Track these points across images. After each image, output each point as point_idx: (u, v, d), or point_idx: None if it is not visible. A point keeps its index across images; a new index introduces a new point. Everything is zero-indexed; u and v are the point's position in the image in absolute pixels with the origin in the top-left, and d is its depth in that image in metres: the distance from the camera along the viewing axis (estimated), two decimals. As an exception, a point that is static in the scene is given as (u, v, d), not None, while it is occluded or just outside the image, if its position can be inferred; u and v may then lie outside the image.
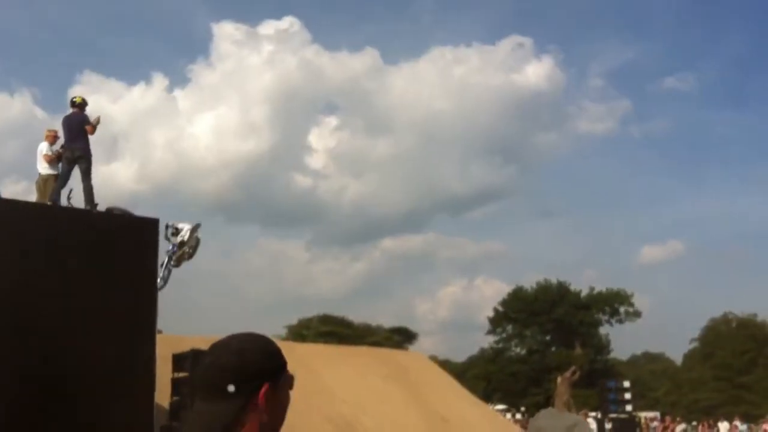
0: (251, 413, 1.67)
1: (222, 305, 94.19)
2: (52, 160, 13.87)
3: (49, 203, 13.15)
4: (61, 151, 13.83)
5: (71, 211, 12.70)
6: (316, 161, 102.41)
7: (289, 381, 1.77)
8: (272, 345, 1.78)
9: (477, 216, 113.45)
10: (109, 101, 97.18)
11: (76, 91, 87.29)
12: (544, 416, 7.19)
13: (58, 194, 13.40)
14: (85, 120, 13.74)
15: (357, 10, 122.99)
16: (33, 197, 13.92)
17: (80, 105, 13.92)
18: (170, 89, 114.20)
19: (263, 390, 1.68)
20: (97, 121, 13.94)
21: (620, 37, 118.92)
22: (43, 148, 14.06)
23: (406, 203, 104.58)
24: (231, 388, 1.66)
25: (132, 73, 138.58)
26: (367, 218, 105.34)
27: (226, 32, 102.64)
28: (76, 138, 13.53)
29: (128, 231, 12.18)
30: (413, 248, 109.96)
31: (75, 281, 11.09)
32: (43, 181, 13.85)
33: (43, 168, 13.93)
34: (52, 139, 14.13)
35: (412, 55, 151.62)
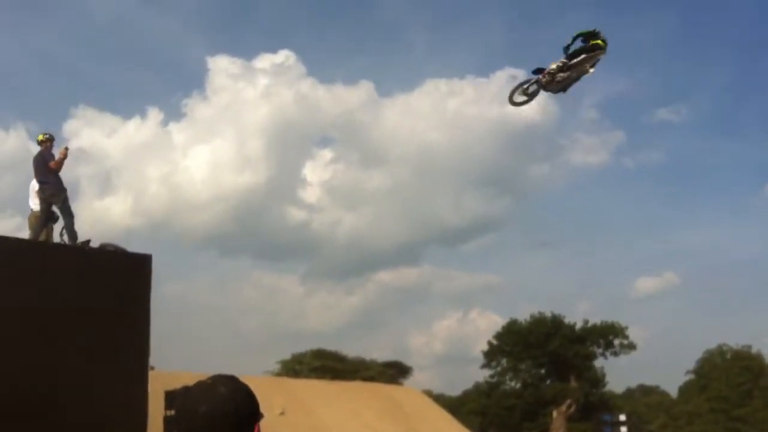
0: None
1: (215, 339, 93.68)
2: (42, 198, 13.82)
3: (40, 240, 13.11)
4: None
5: (64, 247, 12.67)
6: (310, 194, 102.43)
7: (261, 419, 1.84)
8: (250, 388, 1.87)
9: (472, 248, 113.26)
10: (103, 135, 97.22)
11: (71, 125, 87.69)
12: None
13: (38, 234, 13.30)
14: (45, 157, 13.56)
15: (352, 43, 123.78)
16: (26, 233, 13.88)
17: (42, 142, 13.80)
18: (165, 123, 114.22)
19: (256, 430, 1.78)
20: (63, 154, 13.61)
21: (612, 68, 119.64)
22: (35, 184, 14.04)
23: (400, 235, 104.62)
24: None
25: (127, 107, 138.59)
26: (362, 251, 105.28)
27: (221, 66, 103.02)
28: (43, 176, 13.46)
29: (121, 267, 12.16)
30: (408, 281, 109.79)
31: (66, 318, 11.04)
32: (34, 218, 13.81)
33: (35, 204, 13.90)
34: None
35: (406, 88, 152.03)
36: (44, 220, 13.44)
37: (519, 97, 14.74)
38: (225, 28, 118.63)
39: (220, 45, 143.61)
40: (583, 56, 13.66)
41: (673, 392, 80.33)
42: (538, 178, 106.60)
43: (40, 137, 13.87)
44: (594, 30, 13.88)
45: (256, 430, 1.77)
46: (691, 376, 74.40)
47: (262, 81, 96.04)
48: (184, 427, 1.76)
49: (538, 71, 14.30)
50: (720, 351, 71.75)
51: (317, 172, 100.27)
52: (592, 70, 13.88)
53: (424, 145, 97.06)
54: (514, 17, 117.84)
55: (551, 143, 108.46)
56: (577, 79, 14.04)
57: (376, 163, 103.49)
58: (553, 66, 13.99)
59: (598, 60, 13.93)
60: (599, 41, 13.79)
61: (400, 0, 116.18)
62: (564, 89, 14.29)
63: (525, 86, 14.54)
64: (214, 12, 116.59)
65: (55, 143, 13.85)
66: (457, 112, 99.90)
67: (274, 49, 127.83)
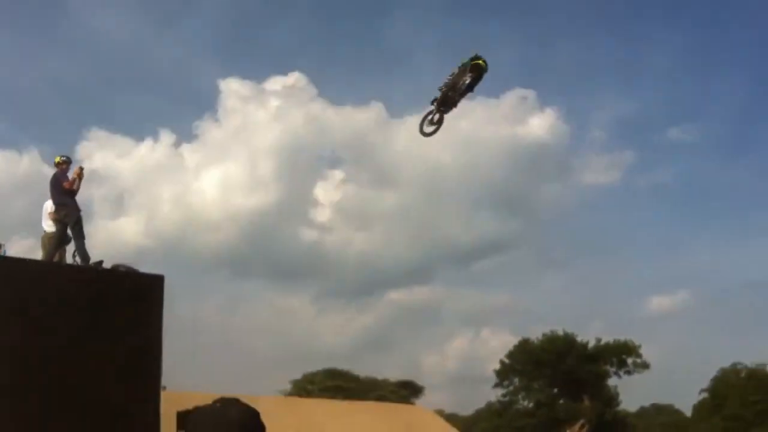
0: None
1: (227, 360, 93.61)
2: (57, 218, 13.93)
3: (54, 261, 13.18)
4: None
5: (76, 268, 12.74)
6: (321, 214, 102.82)
7: None
8: (256, 411, 1.95)
9: (483, 267, 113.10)
10: (116, 157, 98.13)
11: (84, 148, 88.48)
12: None
13: (52, 255, 13.37)
14: (59, 178, 13.69)
15: (362, 65, 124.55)
16: (39, 254, 13.97)
17: (58, 164, 13.92)
18: (177, 145, 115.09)
19: None
20: (77, 174, 13.73)
21: (623, 88, 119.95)
22: (48, 206, 14.14)
23: (411, 255, 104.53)
24: None
25: (139, 129, 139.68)
26: (373, 271, 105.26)
27: (232, 88, 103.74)
28: (59, 197, 13.56)
29: (133, 288, 12.21)
30: (419, 300, 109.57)
31: (78, 339, 11.08)
32: (47, 239, 13.90)
33: (48, 225, 14.00)
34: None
35: (416, 109, 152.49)
36: (59, 241, 13.53)
37: (428, 128, 16.33)
38: (236, 50, 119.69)
39: (232, 67, 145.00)
40: (465, 75, 15.49)
41: (687, 411, 79.74)
42: (549, 198, 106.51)
43: (57, 159, 13.99)
44: (476, 54, 15.58)
45: None
46: (705, 395, 73.84)
47: (273, 103, 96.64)
48: None
49: (434, 101, 16.03)
50: (734, 370, 71.21)
51: (328, 193, 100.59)
52: (467, 80, 15.61)
53: (434, 165, 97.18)
54: (521, 39, 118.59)
55: (562, 163, 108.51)
56: (462, 93, 15.80)
57: (387, 184, 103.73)
58: (443, 88, 15.88)
59: (480, 77, 15.66)
60: (480, 61, 15.45)
61: (405, 24, 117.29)
62: (455, 105, 16.08)
63: (429, 117, 16.07)
64: (225, 35, 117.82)
65: (71, 166, 13.98)
66: (467, 132, 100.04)
67: (284, 71, 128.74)
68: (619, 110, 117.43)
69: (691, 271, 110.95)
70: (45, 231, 14.09)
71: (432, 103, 15.83)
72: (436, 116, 15.93)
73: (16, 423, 10.27)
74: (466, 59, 15.53)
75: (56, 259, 13.50)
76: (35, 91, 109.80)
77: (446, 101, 15.62)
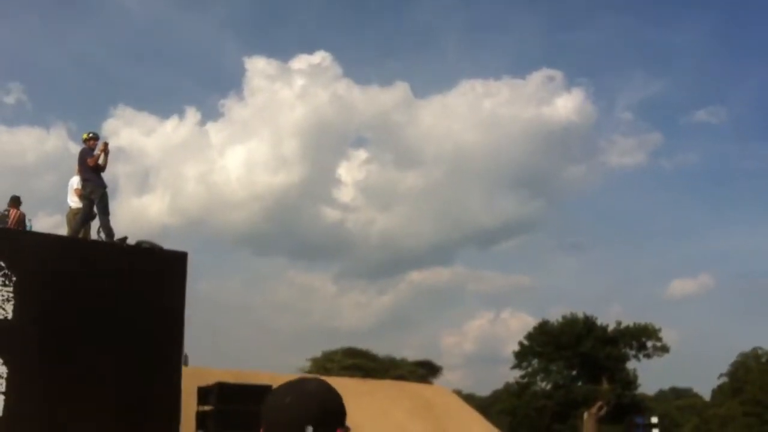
0: None
1: (248, 337, 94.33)
2: (81, 193, 14.05)
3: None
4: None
5: (101, 244, 12.89)
6: (344, 194, 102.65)
7: (348, 429, 1.87)
8: (337, 392, 1.91)
9: (504, 249, 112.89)
10: (141, 134, 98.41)
11: (110, 125, 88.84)
12: None
13: (77, 232, 13.48)
14: (85, 154, 13.74)
15: (387, 45, 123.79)
16: (65, 230, 14.13)
17: (86, 140, 13.98)
18: (203, 123, 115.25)
19: None
20: (103, 150, 13.76)
21: (650, 70, 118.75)
22: (74, 182, 14.26)
23: (433, 236, 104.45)
24: (309, 429, 1.77)
25: (165, 107, 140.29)
26: (395, 251, 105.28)
27: (258, 67, 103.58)
28: (85, 173, 13.65)
29: (156, 264, 12.35)
30: (440, 281, 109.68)
31: (102, 314, 11.25)
32: (72, 215, 14.03)
33: (74, 201, 14.13)
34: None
35: (442, 89, 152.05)
36: (85, 217, 13.66)
37: None
38: (262, 29, 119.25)
39: (257, 46, 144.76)
40: None
41: (706, 395, 79.56)
42: (573, 180, 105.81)
43: (84, 136, 14.10)
44: None
45: None
46: (725, 380, 73.57)
47: (299, 82, 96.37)
48: (269, 419, 1.79)
49: None
50: (755, 354, 70.84)
51: (352, 173, 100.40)
52: None
53: (458, 146, 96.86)
54: (547, 20, 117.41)
55: (588, 144, 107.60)
56: None
57: (411, 164, 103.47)
58: None
59: None
60: None
61: (432, 4, 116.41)
62: None
63: None
64: (251, 13, 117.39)
65: (98, 142, 14.05)
66: (492, 112, 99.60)
67: (310, 50, 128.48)
68: (647, 92, 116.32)
69: (714, 255, 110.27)
70: (70, 207, 14.23)
71: None
72: None
73: (42, 388, 10.48)
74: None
75: (81, 235, 13.65)
76: (62, 68, 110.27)
77: None
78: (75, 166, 14.15)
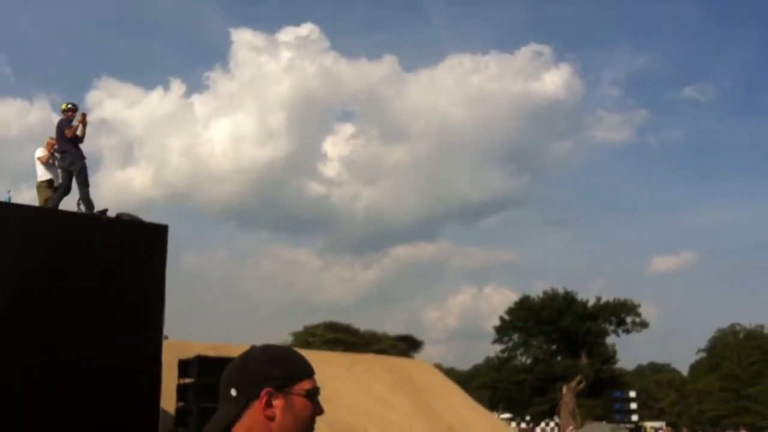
0: (249, 416, 1.72)
1: (231, 310, 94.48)
2: (47, 161, 13.79)
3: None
4: (56, 155, 13.71)
5: (80, 216, 12.76)
6: (330, 169, 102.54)
7: (305, 390, 1.77)
8: (283, 353, 1.82)
9: (489, 224, 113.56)
10: (125, 106, 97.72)
11: (94, 96, 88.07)
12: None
13: (57, 204, 13.28)
14: (63, 125, 13.45)
15: (375, 17, 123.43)
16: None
17: (64, 111, 13.72)
18: (187, 95, 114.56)
19: (263, 393, 1.71)
20: (81, 121, 13.53)
21: (637, 42, 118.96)
22: (38, 151, 13.99)
23: (419, 211, 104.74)
24: (233, 392, 1.74)
25: (150, 78, 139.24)
26: (380, 226, 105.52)
27: (244, 39, 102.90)
28: (62, 145, 13.43)
29: (137, 237, 12.25)
30: (425, 256, 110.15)
31: (81, 286, 11.16)
32: (37, 187, 13.81)
33: (40, 170, 13.85)
34: (50, 147, 13.93)
35: (429, 63, 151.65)
36: (64, 190, 13.46)
37: None
38: (248, 0, 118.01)
39: (244, 17, 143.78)
40: None
41: (684, 370, 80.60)
42: (559, 155, 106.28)
43: (63, 106, 13.85)
44: None
45: (263, 393, 1.71)
46: (703, 355, 74.48)
47: (286, 54, 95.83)
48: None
49: None
50: (732, 330, 71.69)
51: (338, 147, 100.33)
52: None
53: (445, 120, 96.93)
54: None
55: (574, 120, 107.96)
56: None
57: (397, 138, 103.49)
58: None
59: None
60: None
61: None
62: None
63: None
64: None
65: (77, 113, 13.80)
66: (480, 87, 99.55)
67: (297, 22, 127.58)
68: (634, 67, 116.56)
69: (697, 232, 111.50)
70: (38, 179, 13.94)
71: None
72: None
73: (20, 363, 10.40)
74: None
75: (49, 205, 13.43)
76: (45, 39, 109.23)
77: None
78: (51, 138, 13.93)
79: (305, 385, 1.77)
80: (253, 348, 1.82)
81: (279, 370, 1.76)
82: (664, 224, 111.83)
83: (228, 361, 1.83)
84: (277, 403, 1.72)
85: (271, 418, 1.72)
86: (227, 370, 1.79)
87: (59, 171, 13.67)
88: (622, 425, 37.42)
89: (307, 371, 1.80)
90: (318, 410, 1.79)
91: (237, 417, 1.73)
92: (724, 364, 68.05)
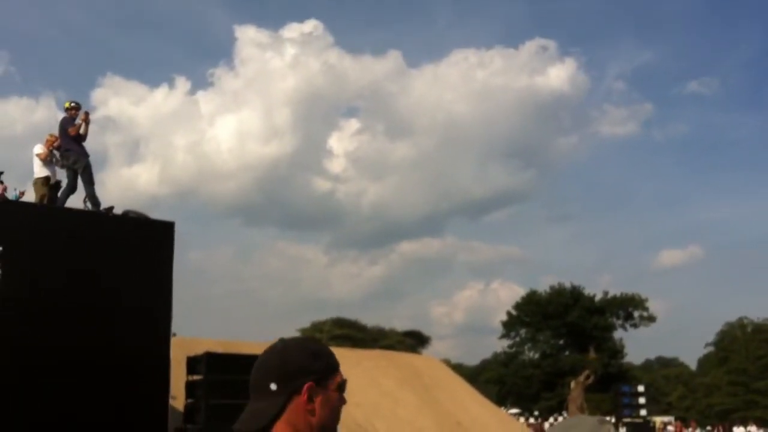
0: (291, 411, 1.71)
1: (239, 307, 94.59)
2: (45, 158, 13.75)
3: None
4: (56, 152, 13.68)
5: (87, 214, 12.78)
6: (335, 165, 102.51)
7: (337, 383, 1.78)
8: (318, 346, 1.81)
9: (495, 219, 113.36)
10: (131, 104, 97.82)
11: (99, 94, 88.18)
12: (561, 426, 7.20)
13: (63, 203, 13.26)
14: (66, 123, 13.44)
15: (379, 13, 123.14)
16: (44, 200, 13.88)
17: (68, 109, 13.72)
18: (192, 92, 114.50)
19: (305, 388, 1.71)
20: (84, 119, 13.53)
21: (642, 36, 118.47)
22: (37, 148, 13.95)
23: (424, 207, 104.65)
24: (273, 386, 1.72)
25: (154, 76, 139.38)
26: (386, 222, 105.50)
27: (248, 36, 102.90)
28: (65, 143, 13.41)
29: (143, 234, 12.27)
30: (431, 252, 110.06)
31: (90, 284, 11.19)
32: (34, 183, 13.78)
33: (38, 166, 13.80)
34: (50, 144, 13.90)
35: (434, 58, 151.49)
36: (69, 189, 13.46)
37: None
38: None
39: (248, 14, 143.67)
40: None
41: (692, 364, 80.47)
42: (564, 150, 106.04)
43: (66, 104, 13.85)
44: None
45: (306, 386, 1.71)
46: (711, 349, 74.37)
47: (290, 51, 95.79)
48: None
49: None
50: (740, 324, 71.48)
51: (343, 143, 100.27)
52: None
53: (450, 116, 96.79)
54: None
55: (580, 114, 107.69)
56: None
57: (402, 134, 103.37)
58: None
59: None
60: None
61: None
62: None
63: None
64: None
65: (80, 111, 13.79)
66: (484, 82, 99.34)
67: (301, 19, 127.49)
68: (639, 61, 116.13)
69: (703, 225, 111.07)
70: (35, 175, 13.88)
71: None
72: None
73: (29, 360, 10.43)
74: None
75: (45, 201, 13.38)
76: (50, 37, 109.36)
77: None
78: (51, 135, 13.90)
79: (338, 378, 1.79)
80: (283, 340, 1.81)
81: (318, 364, 1.76)
82: (671, 218, 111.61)
83: (236, 358, 1.84)
84: (317, 398, 1.73)
85: (312, 413, 1.72)
86: (262, 363, 1.77)
87: (56, 168, 13.66)
88: (608, 419, 37.36)
89: (337, 364, 1.82)
90: (344, 401, 1.80)
91: (280, 412, 1.71)
92: (732, 358, 67.93)
